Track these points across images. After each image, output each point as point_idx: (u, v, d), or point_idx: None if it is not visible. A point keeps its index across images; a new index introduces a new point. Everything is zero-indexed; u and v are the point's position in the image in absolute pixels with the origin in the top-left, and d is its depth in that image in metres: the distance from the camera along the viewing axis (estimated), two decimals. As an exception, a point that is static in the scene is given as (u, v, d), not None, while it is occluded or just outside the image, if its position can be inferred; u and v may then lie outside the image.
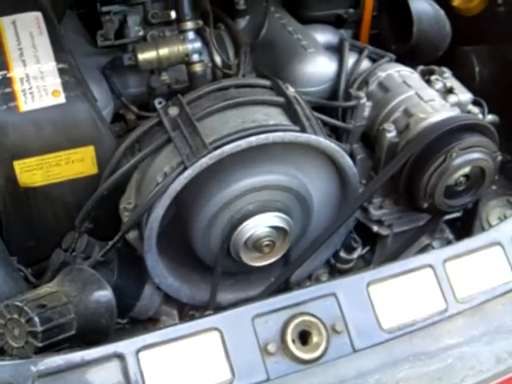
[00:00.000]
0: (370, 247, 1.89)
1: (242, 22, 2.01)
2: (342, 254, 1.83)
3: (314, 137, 1.48)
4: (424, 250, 1.88)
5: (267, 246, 1.55)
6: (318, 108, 1.71)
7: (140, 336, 1.28)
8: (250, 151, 1.46)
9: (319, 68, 1.81)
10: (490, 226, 1.86)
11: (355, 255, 1.84)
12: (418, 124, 1.63)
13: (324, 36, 1.96)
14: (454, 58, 2.04)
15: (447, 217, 1.85)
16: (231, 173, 1.51)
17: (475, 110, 1.75)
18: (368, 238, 1.86)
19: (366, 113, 1.75)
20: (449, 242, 1.93)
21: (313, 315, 1.33)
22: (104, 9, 1.84)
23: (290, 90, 1.59)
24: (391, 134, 1.65)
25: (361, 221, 1.79)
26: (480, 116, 1.74)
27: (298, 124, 1.50)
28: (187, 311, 1.78)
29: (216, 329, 1.29)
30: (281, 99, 1.56)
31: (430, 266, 1.44)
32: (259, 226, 1.53)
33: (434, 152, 1.58)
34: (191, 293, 1.68)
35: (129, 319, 1.72)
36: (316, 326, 1.31)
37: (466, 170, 1.61)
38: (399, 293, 1.42)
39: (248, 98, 1.55)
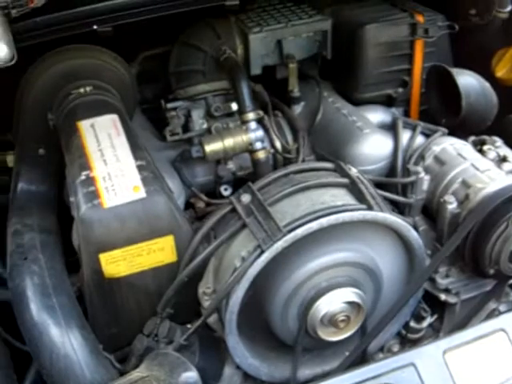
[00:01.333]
0: (438, 315, 1.91)
1: (298, 109, 2.14)
2: (412, 323, 1.85)
3: (380, 214, 1.56)
4: (491, 314, 1.91)
5: (343, 321, 1.59)
6: (377, 185, 1.79)
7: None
8: (320, 232, 1.53)
9: (376, 147, 1.90)
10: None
11: (425, 324, 1.86)
12: (477, 194, 1.69)
13: (376, 116, 2.07)
14: (502, 126, 2.12)
15: (512, 281, 1.88)
16: (304, 253, 1.58)
17: (530, 176, 1.81)
18: (436, 306, 1.88)
19: (425, 186, 1.82)
20: (513, 306, 1.96)
21: None
22: (169, 105, 1.98)
23: (353, 171, 1.68)
24: (452, 206, 1.71)
25: (428, 290, 1.83)
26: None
27: (364, 203, 1.58)
28: None
29: None
30: (345, 180, 1.65)
31: (503, 330, 1.49)
32: (334, 302, 1.57)
33: (496, 220, 1.63)
34: (270, 371, 1.73)
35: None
36: None
37: (529, 234, 1.66)
38: (475, 359, 1.47)
39: (314, 181, 1.64)
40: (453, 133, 2.00)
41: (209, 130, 1.98)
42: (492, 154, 1.85)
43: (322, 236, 1.56)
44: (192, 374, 1.46)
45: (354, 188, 1.63)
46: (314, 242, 1.57)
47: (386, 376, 1.42)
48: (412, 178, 1.79)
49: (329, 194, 1.61)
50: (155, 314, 1.66)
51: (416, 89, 2.14)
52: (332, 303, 1.58)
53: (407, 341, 1.90)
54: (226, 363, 1.73)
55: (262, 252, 1.50)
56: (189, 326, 1.67)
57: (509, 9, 2.07)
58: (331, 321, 1.59)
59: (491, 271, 1.68)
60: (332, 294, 1.59)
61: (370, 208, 1.56)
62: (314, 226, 1.50)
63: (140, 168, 1.63)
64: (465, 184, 1.75)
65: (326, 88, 2.17)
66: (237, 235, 1.61)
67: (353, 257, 1.62)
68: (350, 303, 1.60)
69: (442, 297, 1.82)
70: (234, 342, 1.61)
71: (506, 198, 1.64)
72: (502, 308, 1.94)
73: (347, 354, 1.73)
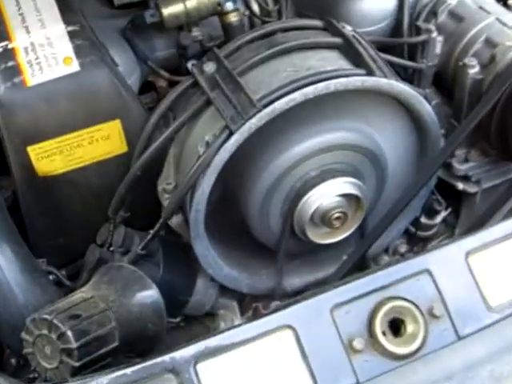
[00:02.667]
0: (453, 208, 1.62)
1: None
2: (423, 219, 1.56)
3: (384, 80, 1.22)
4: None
5: (338, 218, 1.30)
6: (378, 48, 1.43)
7: (196, 343, 1.04)
8: (307, 106, 1.21)
9: (376, 2, 1.53)
10: None
11: (438, 219, 1.57)
12: (506, 54, 1.36)
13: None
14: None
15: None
16: (287, 134, 1.26)
17: None
18: (451, 197, 1.59)
19: (438, 49, 1.48)
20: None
21: (404, 299, 1.08)
22: (120, -38, 1.59)
23: (347, 29, 1.32)
24: (474, 70, 1.38)
25: (443, 178, 1.52)
26: None
27: (362, 67, 1.24)
28: (249, 302, 1.55)
29: (288, 326, 1.05)
30: (338, 40, 1.30)
31: None
32: (326, 195, 1.29)
33: (532, 85, 1.29)
34: (252, 281, 1.45)
35: (182, 317, 1.51)
36: (410, 312, 1.07)
37: None
38: (505, 262, 1.17)
39: (298, 42, 1.28)
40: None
41: (169, -7, 1.59)
42: (520, 7, 1.50)
43: (310, 112, 1.25)
44: (150, 293, 1.20)
45: (349, 49, 1.29)
46: (299, 119, 1.25)
47: (393, 287, 1.10)
48: (423, 37, 1.43)
49: (317, 57, 1.27)
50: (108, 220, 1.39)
51: None
52: (324, 197, 1.29)
53: (417, 239, 1.63)
54: (198, 275, 1.44)
55: (231, 134, 1.17)
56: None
57: None
58: (324, 219, 1.30)
59: (523, 152, 1.35)
60: (324, 185, 1.29)
61: (370, 73, 1.22)
62: (297, 97, 1.16)
63: (72, 34, 1.31)
64: (489, 43, 1.42)
65: None
66: (200, 115, 1.29)
67: (350, 138, 1.30)
68: (347, 196, 1.30)
69: (460, 186, 1.52)
70: (203, 248, 1.31)
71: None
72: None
73: (345, 258, 1.44)
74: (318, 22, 1.36)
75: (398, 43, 1.49)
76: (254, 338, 1.04)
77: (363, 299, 1.08)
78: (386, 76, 1.23)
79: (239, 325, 1.13)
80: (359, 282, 1.11)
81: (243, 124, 1.16)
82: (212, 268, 1.36)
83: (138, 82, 1.51)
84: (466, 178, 1.51)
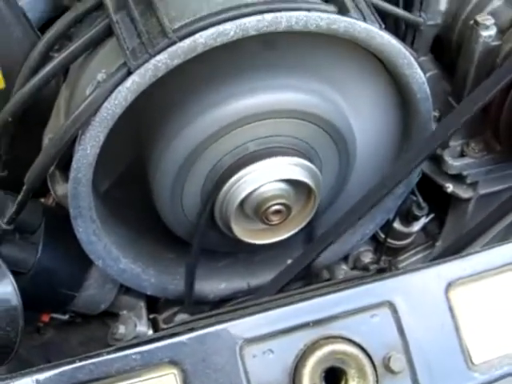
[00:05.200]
0: (436, 215, 1.32)
1: None
2: (397, 224, 1.27)
3: (361, 24, 0.86)
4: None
5: (277, 212, 0.98)
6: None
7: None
8: (250, 49, 0.88)
9: None
10: None
11: (416, 227, 1.28)
12: (536, 18, 1.03)
13: None
14: None
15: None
16: (213, 87, 0.92)
17: None
18: (436, 200, 1.29)
19: (443, 5, 1.15)
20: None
21: (350, 341, 0.78)
22: None
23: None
24: (489, 33, 1.04)
25: (428, 175, 1.21)
26: None
27: (334, 3, 0.88)
28: (163, 305, 1.25)
29: (172, 363, 0.74)
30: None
31: None
32: (264, 178, 0.96)
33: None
34: (161, 281, 1.13)
35: (72, 314, 1.22)
36: (356, 361, 0.77)
37: None
38: (500, 302, 0.86)
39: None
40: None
41: None
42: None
43: (248, 58, 0.91)
44: (1, 290, 0.93)
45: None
46: (231, 67, 0.92)
47: (335, 322, 0.79)
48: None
49: (273, -17, 0.90)
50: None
51: None
52: (260, 180, 0.96)
53: (386, 249, 1.32)
54: (92, 264, 1.11)
55: (130, 73, 0.81)
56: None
57: None
58: (258, 210, 0.98)
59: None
60: (261, 164, 0.96)
61: (343, 11, 0.86)
62: (231, 29, 0.81)
63: None
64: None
65: None
66: (101, 45, 0.93)
67: (304, 102, 0.96)
68: (294, 183, 0.98)
69: (450, 187, 1.23)
70: (89, 233, 0.99)
71: None
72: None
73: (288, 262, 1.17)
74: None
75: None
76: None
77: (289, 336, 0.77)
78: (365, 20, 0.87)
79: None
80: (287, 309, 0.79)
81: (146, 61, 0.80)
82: (102, 259, 1.02)
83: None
84: (458, 178, 1.21)
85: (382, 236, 1.29)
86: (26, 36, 1.01)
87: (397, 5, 1.14)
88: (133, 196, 1.06)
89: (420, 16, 1.11)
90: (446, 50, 1.18)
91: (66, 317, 1.21)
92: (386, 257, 1.34)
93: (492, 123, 1.10)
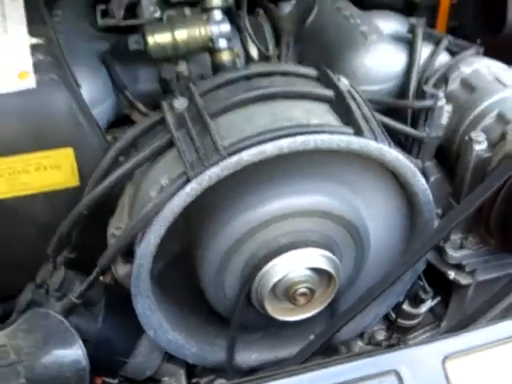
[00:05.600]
0: (442, 298, 1.47)
1: (286, 7, 1.62)
2: (406, 306, 1.41)
3: (374, 144, 1.05)
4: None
5: (303, 295, 1.13)
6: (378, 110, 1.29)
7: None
8: (283, 161, 1.05)
9: (384, 60, 1.38)
10: None
11: (423, 309, 1.42)
12: (520, 133, 1.19)
13: (389, 25, 1.52)
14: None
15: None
16: (256, 190, 1.10)
17: None
18: (441, 285, 1.43)
19: (445, 120, 1.32)
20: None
21: None
22: (113, -16, 1.46)
23: (343, 82, 1.17)
24: (481, 147, 1.21)
25: (432, 264, 1.36)
26: None
27: (351, 125, 1.08)
28: (200, 373, 1.38)
29: None
30: (329, 92, 1.14)
31: None
32: (294, 266, 1.12)
33: (543, 173, 1.13)
34: (200, 351, 1.27)
35: (121, 378, 1.33)
36: None
37: None
38: (490, 373, 0.99)
39: (284, 88, 1.12)
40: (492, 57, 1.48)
41: (161, 20, 1.46)
42: (542, 85, 1.34)
43: (285, 168, 1.09)
44: (72, 351, 1.07)
45: (340, 104, 1.13)
46: (272, 175, 1.09)
47: None
48: (428, 102, 1.27)
49: (302, 108, 1.11)
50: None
51: (447, -3, 1.60)
52: (290, 268, 1.12)
53: (397, 328, 1.46)
54: (142, 334, 1.26)
55: (188, 181, 1.00)
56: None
57: None
58: (287, 293, 1.14)
59: (526, 247, 1.18)
60: (292, 254, 1.12)
61: (359, 133, 1.06)
62: (268, 149, 1.00)
63: (35, 47, 1.16)
64: (502, 118, 1.26)
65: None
66: (162, 155, 1.12)
67: (328, 204, 1.13)
68: (317, 271, 1.13)
69: (451, 275, 1.37)
70: (145, 307, 1.15)
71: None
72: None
73: (311, 338, 1.27)
74: (311, 71, 1.20)
75: (400, 106, 1.33)
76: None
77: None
78: (376, 139, 1.06)
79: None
80: (305, 376, 0.95)
81: (202, 172, 0.99)
82: (154, 330, 1.18)
83: (109, 111, 1.37)
84: (459, 267, 1.35)
85: (393, 316, 1.41)
86: (99, 142, 1.18)
87: (406, 120, 1.34)
88: (181, 278, 1.20)
89: (424, 130, 1.30)
90: (448, 157, 1.35)
91: (116, 381, 1.31)
92: (396, 335, 1.45)
93: (484, 221, 1.24)
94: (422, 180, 1.13)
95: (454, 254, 1.32)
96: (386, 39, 1.43)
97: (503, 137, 1.21)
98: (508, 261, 1.35)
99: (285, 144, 1.00)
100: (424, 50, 1.41)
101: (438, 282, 1.42)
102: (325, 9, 1.54)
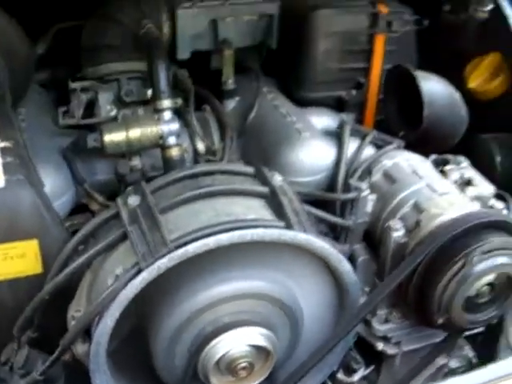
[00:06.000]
0: (375, 366, 1.58)
1: (231, 104, 1.80)
2: (340, 375, 1.52)
3: (302, 235, 1.21)
4: (439, 371, 1.58)
5: (244, 368, 1.25)
6: (314, 202, 1.46)
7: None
8: (224, 252, 1.19)
9: (315, 154, 1.56)
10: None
11: (356, 378, 1.53)
12: (431, 221, 1.36)
13: (322, 120, 1.72)
14: (472, 146, 1.79)
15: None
16: (202, 277, 1.23)
17: (499, 204, 1.47)
18: (373, 355, 1.55)
19: (369, 207, 1.49)
20: (469, 362, 1.64)
21: None
22: (73, 85, 1.64)
23: (277, 179, 1.33)
24: (398, 234, 1.37)
25: (363, 336, 1.50)
26: (505, 212, 1.46)
27: (283, 219, 1.23)
28: None
29: None
30: (264, 189, 1.30)
31: None
32: (235, 343, 1.24)
33: (451, 256, 1.30)
34: None
35: None
36: None
37: (490, 277, 1.33)
38: None
39: (224, 187, 1.29)
40: (413, 149, 1.67)
41: (116, 119, 1.62)
42: (455, 176, 1.53)
43: (226, 257, 1.22)
44: None
45: (273, 200, 1.28)
46: (213, 263, 1.22)
47: None
48: (352, 195, 1.44)
49: (241, 204, 1.26)
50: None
51: (373, 92, 1.80)
52: (232, 345, 1.24)
53: None
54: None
55: (140, 271, 1.14)
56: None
57: (489, 8, 1.74)
58: (229, 367, 1.25)
59: (440, 320, 1.34)
60: (233, 333, 1.25)
61: (289, 226, 1.21)
62: (210, 242, 1.15)
63: (4, 151, 1.31)
64: (417, 208, 1.43)
65: (267, 83, 1.83)
66: (117, 246, 1.25)
67: (265, 288, 1.27)
68: (256, 347, 1.26)
69: (379, 346, 1.50)
70: (102, 381, 1.25)
71: (465, 228, 1.30)
72: (453, 364, 1.64)
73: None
74: (248, 169, 1.37)
75: (329, 198, 1.49)
76: None
77: None
78: (305, 230, 1.22)
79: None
80: None
81: (152, 263, 1.14)
82: (112, 405, 1.30)
83: (70, 202, 1.51)
84: (385, 339, 1.48)
85: None
86: (60, 233, 1.31)
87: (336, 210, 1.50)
88: (135, 354, 1.30)
89: (350, 218, 1.46)
90: (373, 240, 1.52)
91: None
92: None
93: (404, 298, 1.38)
94: (347, 264, 1.28)
95: (379, 328, 1.45)
96: (318, 135, 1.61)
97: (418, 224, 1.37)
98: (430, 332, 1.48)
99: (224, 238, 1.15)
100: (352, 145, 1.59)
101: (371, 351, 1.54)
102: (264, 106, 1.72)
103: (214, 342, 1.24)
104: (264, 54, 1.87)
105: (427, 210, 1.39)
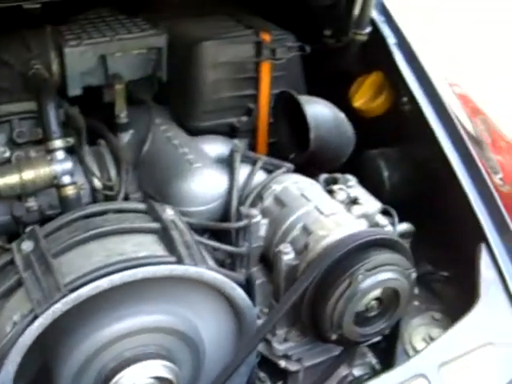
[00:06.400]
0: (282, 382, 1.63)
1: (125, 137, 1.82)
2: None
3: (193, 269, 1.26)
4: (343, 381, 1.65)
5: None
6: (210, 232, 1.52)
7: None
8: (119, 289, 1.22)
9: (207, 184, 1.61)
10: (415, 350, 1.64)
11: None
12: (318, 243, 1.43)
13: (215, 148, 1.77)
14: (360, 162, 1.88)
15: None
16: (99, 315, 1.26)
17: (384, 221, 1.55)
18: (278, 372, 1.60)
19: (262, 232, 1.54)
20: (372, 368, 1.71)
21: None
22: (-40, 127, 1.64)
23: (168, 213, 1.38)
24: (288, 257, 1.43)
25: (265, 356, 1.54)
26: (389, 227, 1.54)
27: (174, 254, 1.28)
28: None
29: None
30: (155, 225, 1.35)
31: None
32: (138, 377, 1.28)
33: (338, 275, 1.37)
34: None
35: None
36: None
37: (377, 292, 1.40)
38: None
39: (114, 226, 1.32)
40: (305, 171, 1.73)
41: (9, 161, 1.63)
42: (342, 195, 1.60)
43: (122, 295, 1.26)
44: None
45: (165, 235, 1.32)
46: (110, 302, 1.26)
47: None
48: (243, 223, 1.49)
49: (132, 242, 1.30)
50: None
51: (263, 118, 1.86)
52: (136, 378, 1.28)
53: None
54: None
55: (36, 317, 1.16)
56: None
57: (367, 30, 1.83)
58: None
59: (333, 336, 1.41)
60: (136, 367, 1.28)
61: (180, 261, 1.26)
62: (103, 284, 1.18)
63: None
64: (305, 230, 1.49)
65: (160, 115, 1.86)
66: (14, 292, 1.27)
67: (164, 321, 1.32)
68: (159, 379, 1.29)
69: (282, 363, 1.55)
70: None
71: (349, 249, 1.37)
72: (356, 372, 1.69)
73: None
74: (140, 205, 1.41)
75: (220, 228, 1.55)
76: None
77: None
78: (196, 263, 1.27)
79: None
80: None
81: (47, 309, 1.16)
82: None
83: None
84: (287, 357, 1.53)
85: None
86: None
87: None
88: None
89: (244, 245, 1.52)
90: (268, 262, 1.58)
91: None
92: None
93: (299, 316, 1.43)
94: (240, 291, 1.33)
95: (279, 347, 1.50)
96: (209, 164, 1.66)
97: (306, 247, 1.43)
98: (328, 346, 1.55)
99: (117, 278, 1.19)
100: (243, 171, 1.65)
101: (276, 368, 1.57)
102: (157, 138, 1.76)
103: (117, 378, 1.27)
104: (156, 85, 1.91)
105: (314, 233, 1.44)
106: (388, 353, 1.74)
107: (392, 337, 1.71)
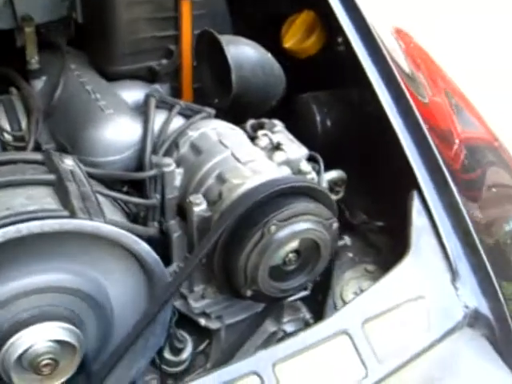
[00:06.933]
0: (209, 341, 1.55)
1: (38, 84, 1.70)
2: (168, 355, 1.49)
3: (86, 222, 1.16)
4: (272, 338, 1.58)
5: (47, 365, 1.19)
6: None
7: None
8: (8, 247, 1.13)
9: (120, 132, 1.50)
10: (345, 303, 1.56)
11: (184, 355, 1.50)
12: (232, 192, 1.32)
13: (133, 94, 1.66)
14: (293, 107, 1.77)
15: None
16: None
17: (307, 167, 1.45)
18: (204, 333, 1.53)
19: (178, 182, 1.43)
20: (307, 324, 1.62)
21: None
22: None
23: (67, 163, 1.27)
24: (200, 208, 1.33)
25: (185, 314, 1.46)
26: (313, 174, 1.45)
27: (68, 207, 1.17)
28: None
29: None
30: (50, 177, 1.24)
31: (256, 374, 1.20)
32: (36, 339, 1.18)
33: (250, 226, 1.27)
34: None
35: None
36: None
37: (294, 244, 1.31)
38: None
39: (6, 178, 1.21)
40: (231, 116, 1.63)
41: None
42: (264, 141, 1.49)
43: (13, 253, 1.16)
44: None
45: (60, 187, 1.21)
46: (3, 259, 1.16)
47: None
48: (152, 173, 1.39)
49: (25, 195, 1.20)
50: None
51: (186, 61, 1.74)
52: (33, 341, 1.18)
53: (169, 375, 1.53)
54: None
55: None
56: None
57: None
58: (32, 364, 1.19)
59: (249, 292, 1.32)
60: (33, 328, 1.19)
61: (72, 214, 1.15)
62: None
63: None
64: (220, 179, 1.38)
65: (77, 60, 1.74)
66: None
67: (65, 280, 1.22)
68: (60, 342, 1.20)
69: (202, 322, 1.47)
70: None
71: (262, 197, 1.27)
72: (289, 327, 1.63)
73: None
74: (37, 155, 1.30)
75: (132, 178, 1.44)
76: None
77: None
78: (90, 217, 1.17)
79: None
80: None
81: None
82: None
83: None
84: (206, 315, 1.45)
85: (160, 364, 1.47)
86: None
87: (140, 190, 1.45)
88: None
89: (155, 197, 1.41)
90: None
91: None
92: (173, 381, 1.53)
93: (212, 271, 1.34)
94: (144, 245, 1.24)
95: (196, 305, 1.41)
96: (124, 111, 1.54)
97: (220, 196, 1.33)
98: (249, 303, 1.46)
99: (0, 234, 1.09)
100: (159, 118, 1.54)
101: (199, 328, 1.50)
102: (70, 84, 1.64)
103: (13, 339, 1.18)
104: (72, 28, 1.78)
105: (229, 181, 1.34)
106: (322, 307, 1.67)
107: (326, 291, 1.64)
